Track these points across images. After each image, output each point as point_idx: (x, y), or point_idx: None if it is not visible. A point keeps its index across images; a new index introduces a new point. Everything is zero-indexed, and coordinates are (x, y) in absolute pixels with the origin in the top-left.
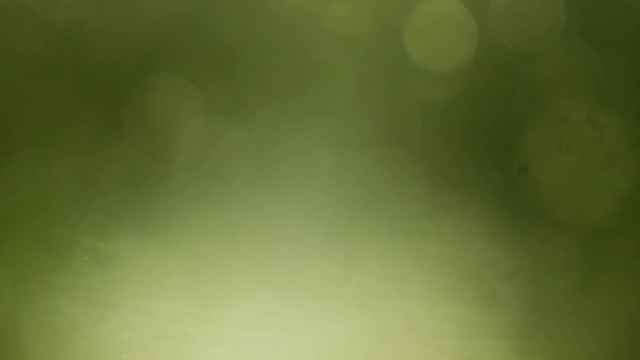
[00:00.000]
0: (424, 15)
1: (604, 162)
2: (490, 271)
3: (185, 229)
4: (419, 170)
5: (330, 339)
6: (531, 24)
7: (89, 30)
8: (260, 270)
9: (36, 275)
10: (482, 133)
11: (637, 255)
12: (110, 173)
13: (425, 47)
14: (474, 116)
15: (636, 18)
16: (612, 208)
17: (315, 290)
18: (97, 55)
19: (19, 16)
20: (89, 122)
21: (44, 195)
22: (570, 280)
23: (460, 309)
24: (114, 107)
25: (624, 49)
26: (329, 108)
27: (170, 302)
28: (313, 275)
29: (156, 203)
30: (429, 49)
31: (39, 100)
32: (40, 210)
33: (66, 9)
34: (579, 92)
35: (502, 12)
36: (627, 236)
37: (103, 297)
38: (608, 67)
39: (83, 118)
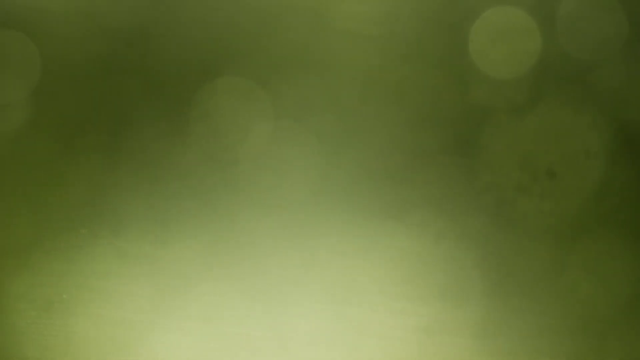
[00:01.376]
0: (489, 22)
1: None
2: (511, 272)
3: (245, 235)
4: (485, 178)
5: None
6: (596, 32)
7: (155, 35)
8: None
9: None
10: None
11: None
12: (174, 178)
13: (490, 54)
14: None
15: None
16: None
17: (325, 290)
18: (163, 60)
19: (84, 21)
20: (154, 126)
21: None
22: (591, 285)
23: (477, 311)
24: (180, 112)
25: None
26: (393, 115)
27: (194, 304)
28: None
29: (221, 208)
30: (494, 56)
31: (103, 104)
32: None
33: (131, 12)
34: None
35: (566, 19)
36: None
37: (129, 300)
38: None
39: (148, 122)
